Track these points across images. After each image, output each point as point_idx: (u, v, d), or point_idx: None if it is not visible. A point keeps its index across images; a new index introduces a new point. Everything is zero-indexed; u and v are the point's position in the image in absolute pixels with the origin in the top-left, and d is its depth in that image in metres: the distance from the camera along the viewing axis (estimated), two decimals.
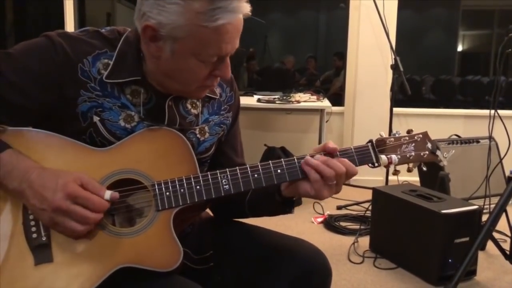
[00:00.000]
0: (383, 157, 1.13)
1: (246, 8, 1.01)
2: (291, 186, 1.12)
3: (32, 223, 1.00)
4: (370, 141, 1.14)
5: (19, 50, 1.04)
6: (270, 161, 1.08)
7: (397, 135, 1.16)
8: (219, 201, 1.09)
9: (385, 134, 1.16)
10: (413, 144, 1.16)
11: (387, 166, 1.14)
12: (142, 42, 1.07)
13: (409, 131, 1.17)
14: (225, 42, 1.01)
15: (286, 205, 1.18)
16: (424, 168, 1.16)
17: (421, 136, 1.17)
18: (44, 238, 0.99)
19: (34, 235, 0.99)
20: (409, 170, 1.17)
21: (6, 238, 0.99)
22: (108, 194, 0.99)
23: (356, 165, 1.10)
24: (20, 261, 0.99)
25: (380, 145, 1.14)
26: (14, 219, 1.00)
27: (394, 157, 1.14)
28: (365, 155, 1.12)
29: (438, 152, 1.17)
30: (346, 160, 1.08)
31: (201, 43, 0.99)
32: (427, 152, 1.16)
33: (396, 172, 1.16)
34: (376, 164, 1.13)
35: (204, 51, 1.01)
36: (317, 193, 1.07)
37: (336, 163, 1.06)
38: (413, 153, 1.16)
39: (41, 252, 0.99)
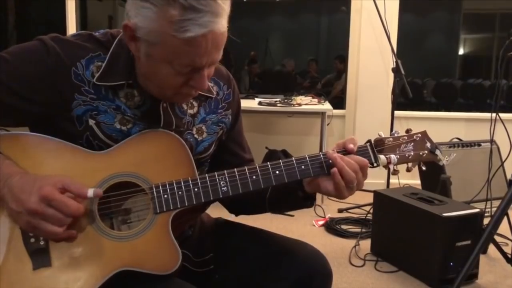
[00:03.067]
0: (382, 157, 1.13)
1: (220, 25, 0.94)
2: (313, 183, 1.12)
3: None
4: (369, 141, 1.14)
5: (12, 53, 1.04)
6: (268, 163, 1.08)
7: (396, 135, 1.16)
8: (236, 199, 1.09)
9: (384, 135, 1.15)
10: (412, 144, 1.15)
11: (386, 166, 1.14)
12: None
13: (408, 131, 1.17)
14: (199, 55, 0.96)
15: (307, 200, 1.18)
16: (424, 168, 1.15)
17: (420, 135, 1.17)
18: (42, 243, 0.98)
19: (32, 240, 0.98)
20: (408, 170, 1.17)
21: (4, 242, 0.98)
22: (91, 191, 0.96)
23: None
24: (19, 265, 0.98)
25: (378, 145, 1.14)
26: (12, 223, 0.99)
27: (393, 156, 1.13)
28: (364, 155, 1.12)
29: (437, 152, 1.16)
30: (356, 156, 1.09)
31: (173, 52, 0.95)
32: (426, 152, 1.16)
33: (395, 172, 1.15)
34: (375, 164, 1.13)
35: (176, 61, 0.96)
36: (339, 193, 1.10)
37: (354, 164, 1.07)
38: (412, 153, 1.15)
39: (39, 257, 0.98)
